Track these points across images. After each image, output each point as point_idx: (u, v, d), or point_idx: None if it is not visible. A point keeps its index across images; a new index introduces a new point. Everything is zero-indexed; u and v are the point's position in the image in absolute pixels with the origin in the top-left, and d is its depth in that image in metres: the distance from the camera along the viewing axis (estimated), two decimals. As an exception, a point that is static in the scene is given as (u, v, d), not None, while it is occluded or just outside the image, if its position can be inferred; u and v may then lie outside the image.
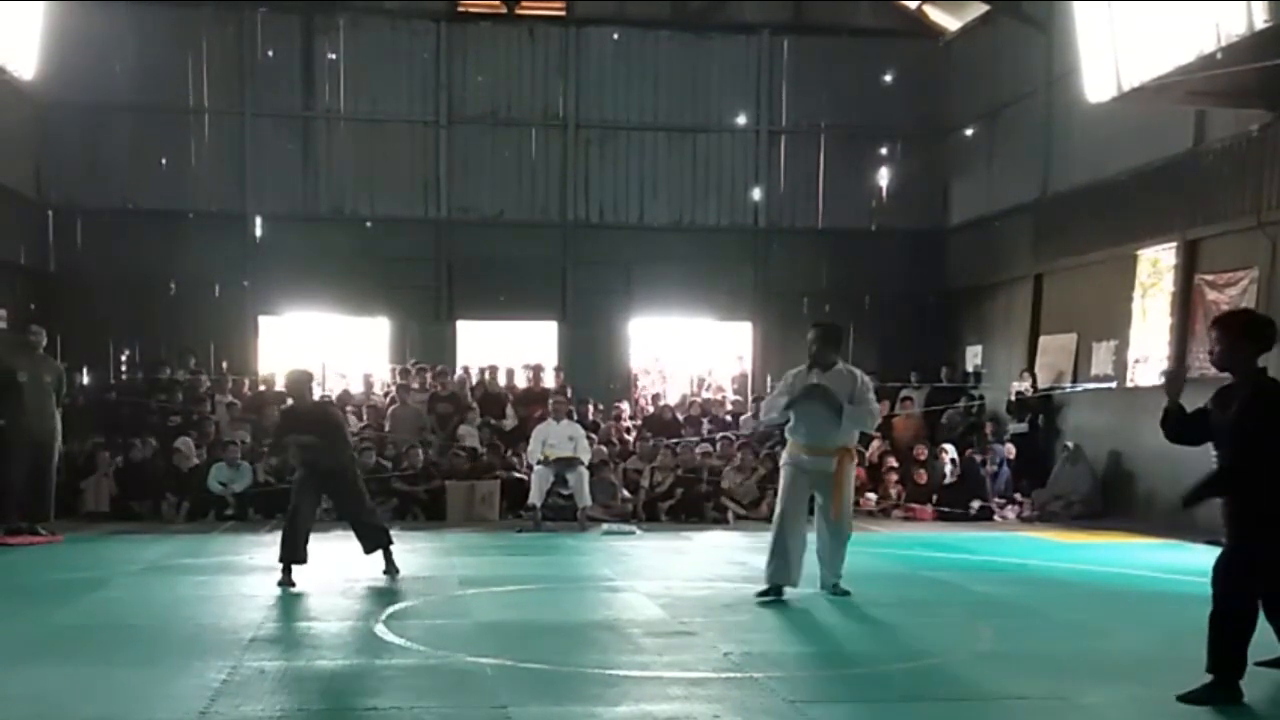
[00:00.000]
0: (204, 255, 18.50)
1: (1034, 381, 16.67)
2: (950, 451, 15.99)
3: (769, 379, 18.41)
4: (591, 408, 17.10)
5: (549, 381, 17.79)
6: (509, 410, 16.72)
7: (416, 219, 19.37)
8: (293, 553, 8.99)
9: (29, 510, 11.88)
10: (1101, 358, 15.90)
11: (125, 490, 14.46)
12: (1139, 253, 15.34)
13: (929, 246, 19.98)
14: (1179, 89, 12.83)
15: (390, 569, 9.41)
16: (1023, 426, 16.53)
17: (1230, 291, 13.37)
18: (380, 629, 7.19)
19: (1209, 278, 13.85)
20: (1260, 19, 10.98)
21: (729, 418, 17.33)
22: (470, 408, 16.35)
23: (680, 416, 17.40)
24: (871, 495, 15.24)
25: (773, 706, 5.44)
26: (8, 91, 16.12)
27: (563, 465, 13.76)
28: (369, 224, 19.25)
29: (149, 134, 18.60)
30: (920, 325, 19.56)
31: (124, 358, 18.32)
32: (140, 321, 18.18)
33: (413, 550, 11.18)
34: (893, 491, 15.53)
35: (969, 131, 19.58)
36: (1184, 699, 5.41)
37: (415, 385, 16.99)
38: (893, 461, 15.88)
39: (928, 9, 19.88)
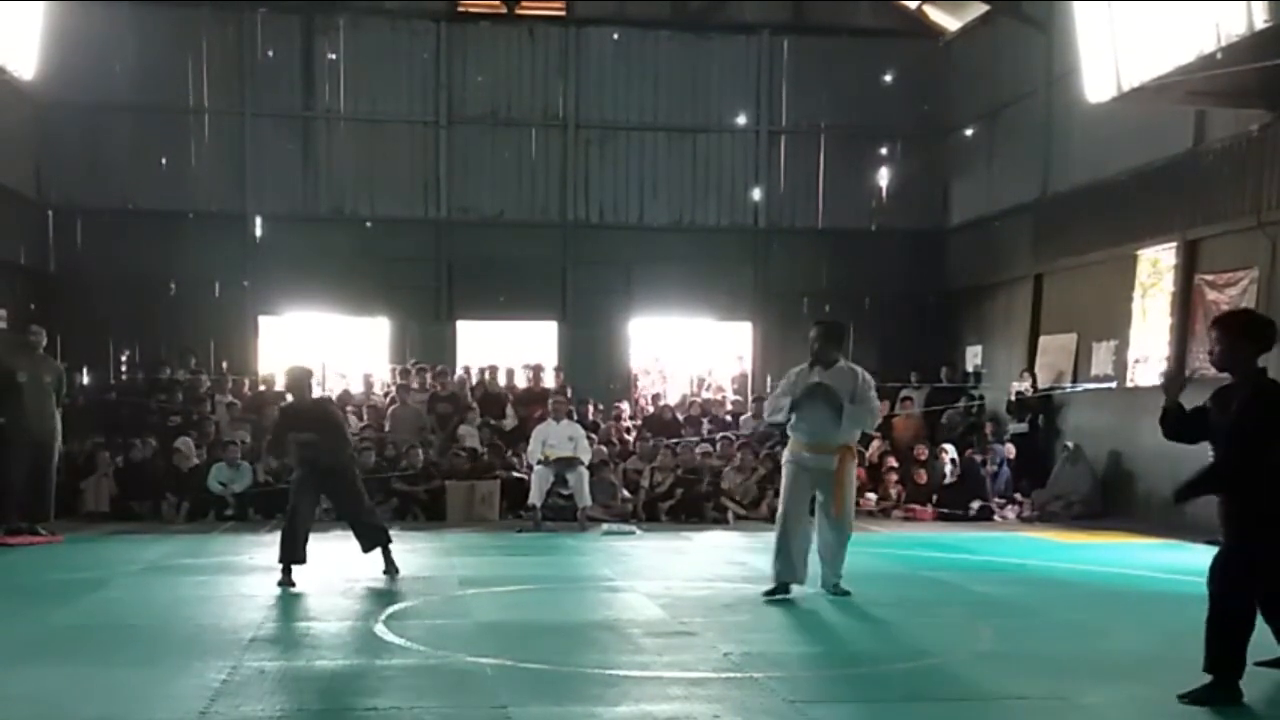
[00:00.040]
0: (204, 255, 18.51)
1: (1034, 381, 16.67)
2: (950, 451, 15.99)
3: (769, 379, 18.42)
4: (591, 408, 17.10)
5: (549, 381, 17.79)
6: (509, 410, 16.72)
7: (416, 219, 19.37)
8: (292, 553, 8.98)
9: (29, 510, 11.88)
10: (1101, 358, 15.91)
11: (125, 490, 14.46)
12: (1139, 253, 15.35)
13: (929, 246, 19.98)
14: (1179, 89, 12.83)
15: (390, 568, 9.41)
16: (1023, 426, 16.53)
17: (1230, 291, 13.37)
18: (380, 629, 7.19)
19: (1209, 278, 13.85)
20: (1260, 19, 10.98)
21: (729, 418, 17.33)
22: (470, 408, 16.35)
23: (680, 416, 17.40)
24: (871, 495, 15.24)
25: (773, 706, 5.44)
26: (8, 91, 16.12)
27: (563, 465, 13.75)
28: (369, 224, 19.25)
29: (149, 134, 18.61)
30: (920, 325, 19.56)
31: (124, 358, 18.33)
32: (140, 321, 18.18)
33: (413, 550, 11.18)
34: (893, 491, 15.53)
35: (969, 131, 19.58)
36: (1184, 699, 5.40)
37: (415, 385, 16.99)
38: (893, 461, 15.88)
39: (928, 9, 19.89)
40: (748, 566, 10.50)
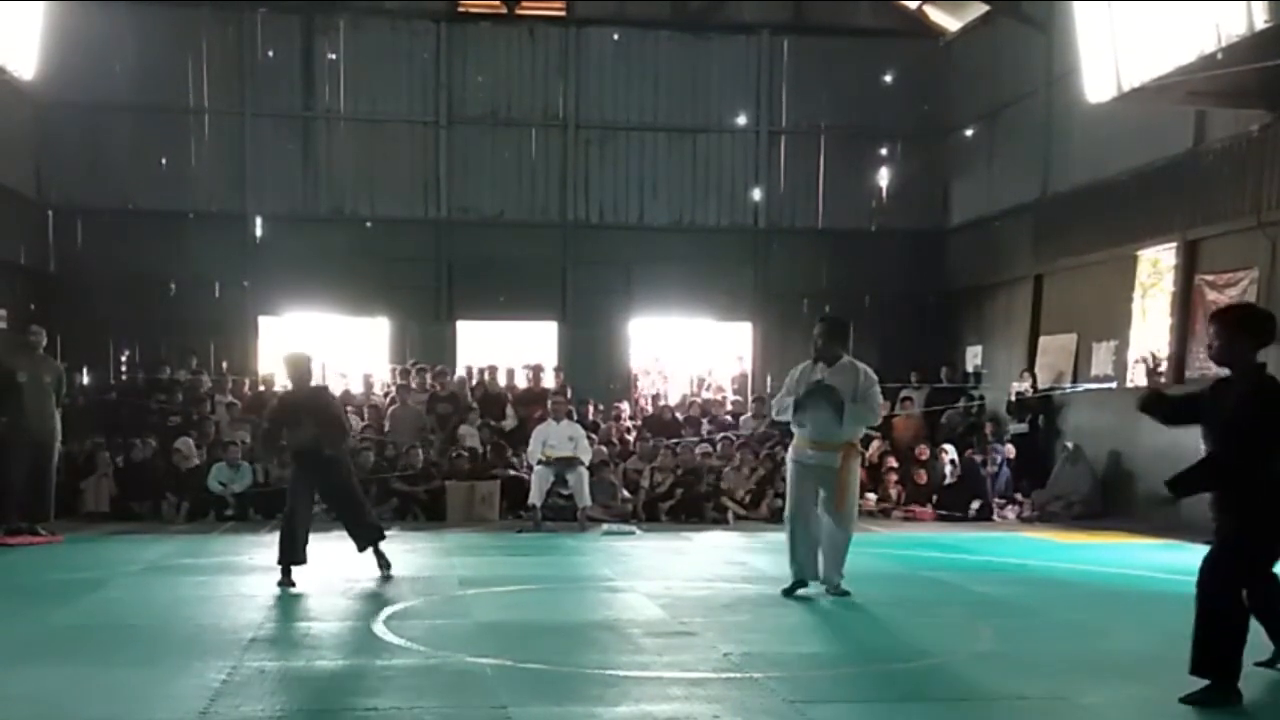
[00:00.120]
0: (204, 255, 18.50)
1: (1034, 382, 16.66)
2: (950, 452, 15.99)
3: (769, 379, 18.44)
4: (591, 408, 17.10)
5: (549, 382, 17.79)
6: (509, 410, 16.72)
7: (416, 219, 19.37)
8: (292, 554, 8.97)
9: (29, 510, 11.88)
10: (1101, 358, 15.90)
11: (125, 490, 14.46)
12: (1139, 253, 15.35)
13: (929, 246, 19.98)
14: (1179, 89, 12.83)
15: (382, 564, 9.38)
16: (1023, 427, 16.53)
17: (1230, 292, 13.36)
18: (380, 629, 7.19)
19: (1209, 278, 13.85)
20: (1260, 19, 10.98)
21: (729, 418, 17.33)
22: (470, 408, 16.35)
23: (680, 416, 17.40)
24: (871, 495, 15.23)
25: (773, 706, 5.44)
26: (8, 91, 16.12)
27: (563, 465, 13.75)
28: (369, 224, 19.25)
29: (149, 134, 18.61)
30: (920, 325, 19.55)
31: (124, 358, 18.34)
32: (140, 321, 18.19)
33: (413, 550, 11.19)
34: (893, 492, 15.54)
35: (969, 131, 19.58)
36: (1185, 701, 5.39)
37: (415, 385, 16.98)
38: (893, 462, 15.89)
39: (928, 9, 19.88)
40: (748, 566, 10.52)
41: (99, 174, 18.22)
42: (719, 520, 14.39)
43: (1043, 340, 17.29)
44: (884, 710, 5.54)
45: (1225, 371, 5.68)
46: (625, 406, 18.10)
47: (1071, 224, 16.55)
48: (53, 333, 13.74)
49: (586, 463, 13.99)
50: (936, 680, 6.11)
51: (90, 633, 7.21)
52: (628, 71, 19.72)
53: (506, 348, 18.80)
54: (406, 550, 11.13)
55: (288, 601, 8.42)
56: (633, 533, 13.38)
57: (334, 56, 19.09)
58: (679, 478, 14.97)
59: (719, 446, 16.04)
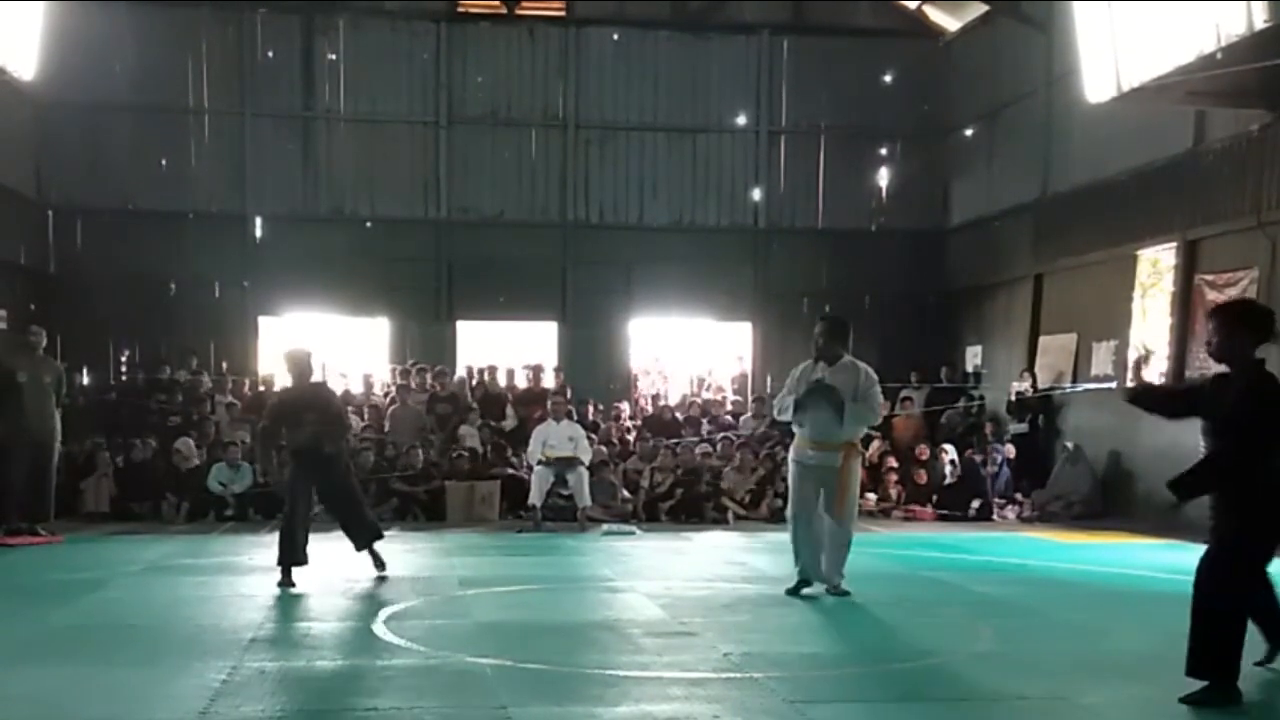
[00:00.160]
0: (204, 255, 18.51)
1: (1034, 382, 16.66)
2: (950, 452, 15.99)
3: (769, 379, 18.45)
4: (591, 408, 17.09)
5: (549, 382, 17.78)
6: (509, 410, 16.72)
7: (416, 219, 19.36)
8: (292, 555, 8.96)
9: (29, 510, 11.88)
10: (1101, 358, 15.90)
11: (125, 490, 14.45)
12: (1139, 253, 15.34)
13: (929, 246, 19.98)
14: (1179, 89, 12.83)
15: (378, 564, 9.36)
16: (1023, 427, 16.52)
17: (1230, 292, 13.34)
18: (380, 629, 7.19)
19: (1209, 278, 13.84)
20: (1260, 19, 10.97)
21: (729, 418, 17.33)
22: (470, 408, 16.35)
23: (680, 417, 17.40)
24: (871, 495, 15.22)
25: (773, 706, 5.44)
26: (8, 91, 16.11)
27: (563, 465, 13.76)
28: (369, 224, 19.25)
29: (149, 134, 18.60)
30: (920, 325, 19.55)
31: (124, 358, 18.33)
32: (140, 321, 18.19)
33: (413, 550, 11.19)
34: (893, 492, 15.54)
35: (969, 131, 19.58)
36: (1185, 701, 5.39)
37: (414, 386, 16.98)
38: (893, 462, 15.88)
39: (928, 9, 19.88)
40: (748, 566, 10.52)
41: (99, 174, 18.21)
42: (719, 520, 14.38)
43: (1043, 340, 17.29)
44: (884, 710, 5.54)
45: (1224, 368, 5.65)
46: (625, 406, 18.09)
47: (1071, 224, 16.55)
48: (53, 333, 13.75)
49: (586, 463, 13.99)
50: (936, 680, 6.12)
51: (90, 633, 7.22)
52: (628, 71, 19.71)
53: (506, 348, 18.80)
54: (406, 550, 11.13)
55: (288, 602, 8.42)
56: (633, 533, 13.38)
57: (334, 56, 19.08)
58: (679, 478, 14.97)
59: (719, 446, 16.03)
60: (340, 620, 7.73)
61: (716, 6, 19.93)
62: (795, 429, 8.66)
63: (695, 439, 16.27)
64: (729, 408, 18.04)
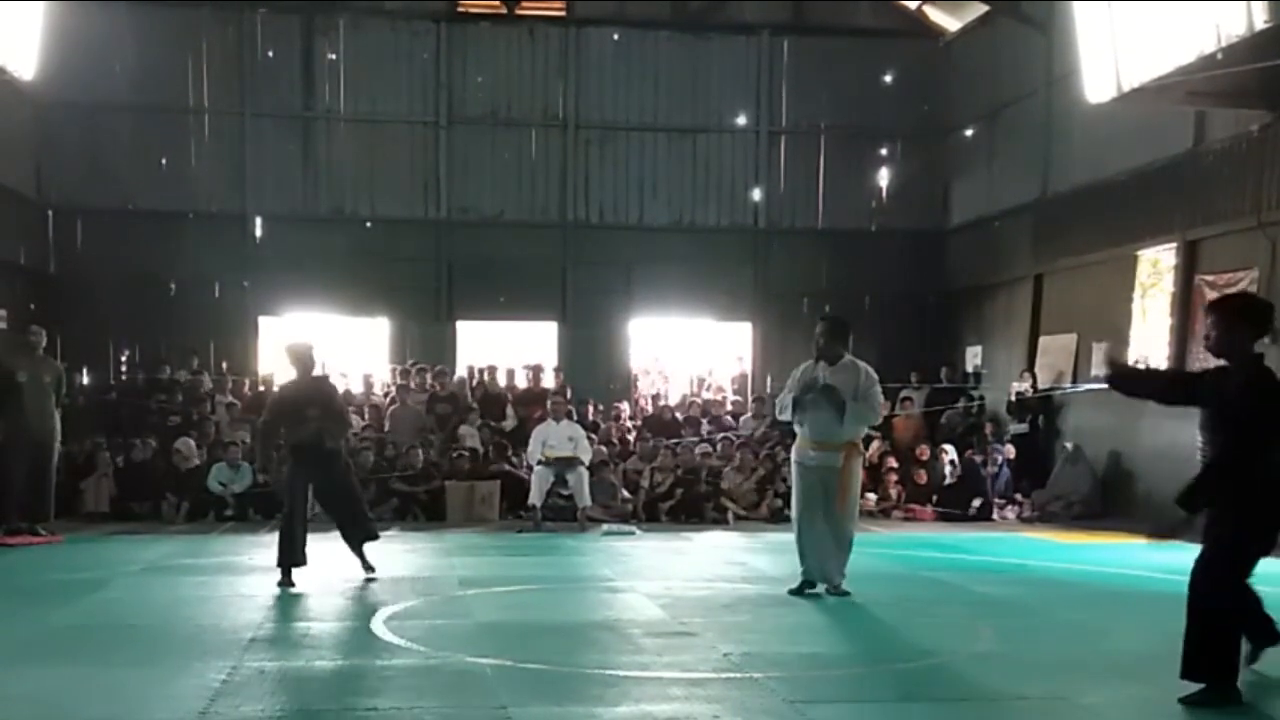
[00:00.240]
0: (204, 255, 18.50)
1: (1034, 382, 16.65)
2: (950, 452, 16.00)
3: (769, 379, 18.46)
4: (591, 408, 17.10)
5: (549, 382, 17.78)
6: (509, 410, 16.72)
7: (416, 219, 19.36)
8: (291, 556, 8.96)
9: (29, 510, 11.89)
10: (1102, 358, 15.86)
11: (125, 490, 14.46)
12: (1139, 253, 15.34)
13: (929, 246, 19.98)
14: (1179, 89, 12.83)
15: (366, 566, 9.34)
16: (1023, 427, 16.52)
17: (1230, 292, 13.36)
18: (380, 629, 7.20)
19: (1209, 278, 13.84)
20: (1260, 19, 10.97)
21: (729, 418, 17.33)
22: (470, 408, 16.35)
23: (680, 417, 17.40)
24: (871, 495, 15.22)
25: (773, 706, 5.44)
26: (8, 91, 16.11)
27: (563, 465, 13.76)
28: (369, 224, 19.25)
29: (149, 134, 18.60)
30: (920, 325, 19.56)
31: (124, 358, 18.33)
32: (140, 321, 18.18)
33: (413, 550, 11.20)
34: (893, 492, 15.54)
35: (969, 131, 19.58)
36: (1185, 702, 5.38)
37: (414, 386, 16.98)
38: (893, 462, 15.88)
39: (928, 9, 19.88)
40: (748, 567, 10.52)
41: (99, 174, 18.20)
42: (719, 520, 14.38)
43: (1043, 340, 17.29)
44: (884, 710, 5.55)
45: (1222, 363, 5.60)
46: (625, 406, 18.09)
47: (1071, 224, 16.55)
48: (53, 333, 13.75)
49: (586, 463, 13.99)
50: (936, 680, 6.12)
51: (90, 633, 7.22)
52: (628, 71, 19.71)
53: (506, 348, 18.80)
54: (406, 550, 11.15)
55: (287, 602, 8.42)
56: (633, 533, 13.38)
57: (334, 56, 19.08)
58: (679, 478, 14.97)
59: (719, 446, 16.03)
60: (340, 620, 7.73)
61: (717, 6, 19.93)
62: (796, 429, 8.67)
63: (695, 439, 16.27)
64: (729, 408, 18.04)
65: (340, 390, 16.69)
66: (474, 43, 19.48)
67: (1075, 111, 15.45)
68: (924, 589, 9.27)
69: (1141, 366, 5.73)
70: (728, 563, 10.90)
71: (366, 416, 16.32)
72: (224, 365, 18.20)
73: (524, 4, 19.51)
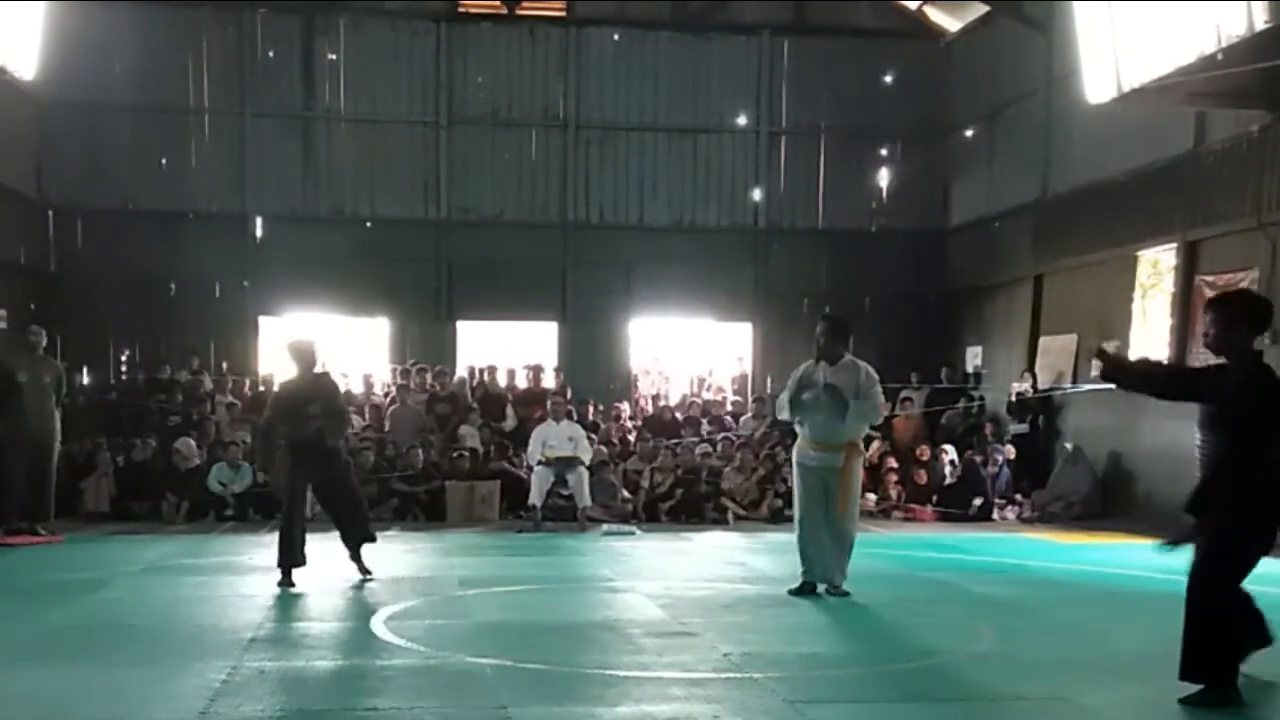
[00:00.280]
0: (204, 255, 18.50)
1: (1034, 382, 16.65)
2: (950, 452, 16.00)
3: (769, 379, 18.46)
4: (591, 408, 17.10)
5: (549, 382, 17.79)
6: (509, 410, 16.72)
7: (416, 219, 19.36)
8: (291, 556, 8.95)
9: (29, 510, 11.89)
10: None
11: (125, 490, 14.45)
12: (1139, 253, 15.34)
13: (929, 247, 19.98)
14: (1179, 90, 12.82)
15: (362, 569, 9.32)
16: (1023, 427, 16.52)
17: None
18: (380, 629, 7.20)
19: (1209, 278, 13.84)
20: (1260, 19, 10.97)
21: (729, 418, 17.33)
22: (470, 408, 16.35)
23: (680, 417, 17.40)
24: (871, 495, 15.22)
25: (773, 706, 5.44)
26: (8, 91, 16.11)
27: (563, 465, 13.76)
28: (369, 224, 19.25)
29: (149, 134, 18.60)
30: (920, 326, 19.56)
31: (124, 358, 18.33)
32: (140, 321, 18.19)
33: (413, 550, 11.20)
34: (893, 492, 15.53)
35: (969, 132, 19.58)
36: (1185, 702, 5.38)
37: (414, 385, 16.97)
38: (893, 462, 15.88)
39: (928, 9, 19.88)
40: (748, 567, 10.52)
41: (99, 174, 18.19)
42: (719, 520, 14.38)
43: (1043, 340, 17.29)
44: (884, 710, 5.55)
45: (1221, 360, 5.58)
46: (625, 406, 18.08)
47: (1071, 224, 16.55)
48: (53, 333, 13.76)
49: (586, 463, 14.00)
50: (936, 680, 6.12)
51: (90, 633, 7.22)
52: (628, 71, 19.72)
53: (506, 348, 18.79)
54: (406, 550, 11.15)
55: (287, 602, 8.42)
56: (633, 533, 13.38)
57: (334, 56, 19.08)
58: (679, 478, 14.97)
59: (719, 447, 16.03)
60: (340, 620, 7.73)
61: (717, 7, 19.94)
62: (797, 429, 8.68)
63: (695, 439, 16.27)
64: (729, 408, 18.03)
65: (341, 390, 16.80)
66: (474, 43, 19.48)
67: (1075, 112, 15.45)
68: (924, 589, 9.27)
69: (1136, 359, 5.70)
70: (728, 563, 10.90)
71: (367, 416, 16.33)
72: (224, 365, 18.20)
73: (524, 4, 19.51)
